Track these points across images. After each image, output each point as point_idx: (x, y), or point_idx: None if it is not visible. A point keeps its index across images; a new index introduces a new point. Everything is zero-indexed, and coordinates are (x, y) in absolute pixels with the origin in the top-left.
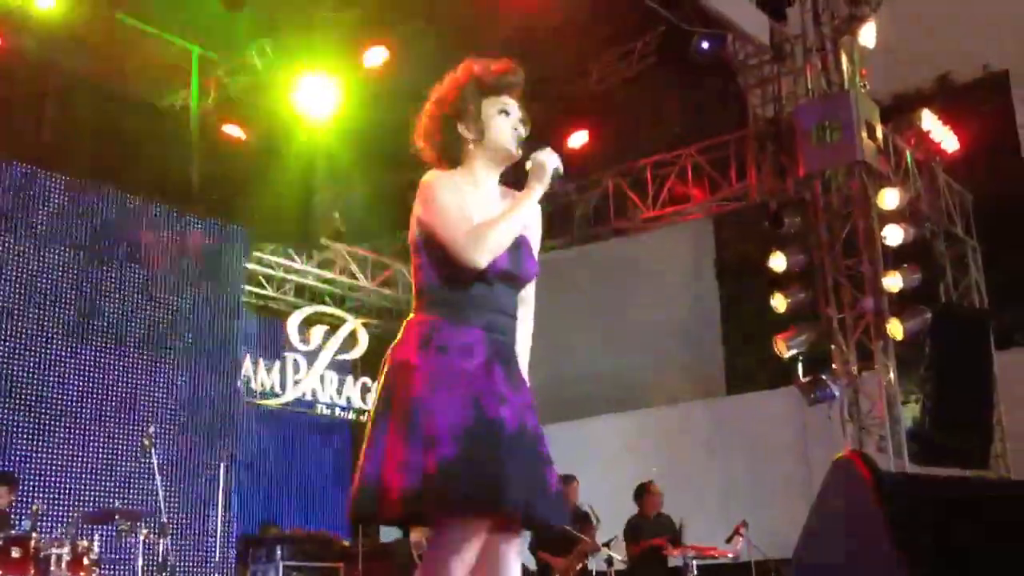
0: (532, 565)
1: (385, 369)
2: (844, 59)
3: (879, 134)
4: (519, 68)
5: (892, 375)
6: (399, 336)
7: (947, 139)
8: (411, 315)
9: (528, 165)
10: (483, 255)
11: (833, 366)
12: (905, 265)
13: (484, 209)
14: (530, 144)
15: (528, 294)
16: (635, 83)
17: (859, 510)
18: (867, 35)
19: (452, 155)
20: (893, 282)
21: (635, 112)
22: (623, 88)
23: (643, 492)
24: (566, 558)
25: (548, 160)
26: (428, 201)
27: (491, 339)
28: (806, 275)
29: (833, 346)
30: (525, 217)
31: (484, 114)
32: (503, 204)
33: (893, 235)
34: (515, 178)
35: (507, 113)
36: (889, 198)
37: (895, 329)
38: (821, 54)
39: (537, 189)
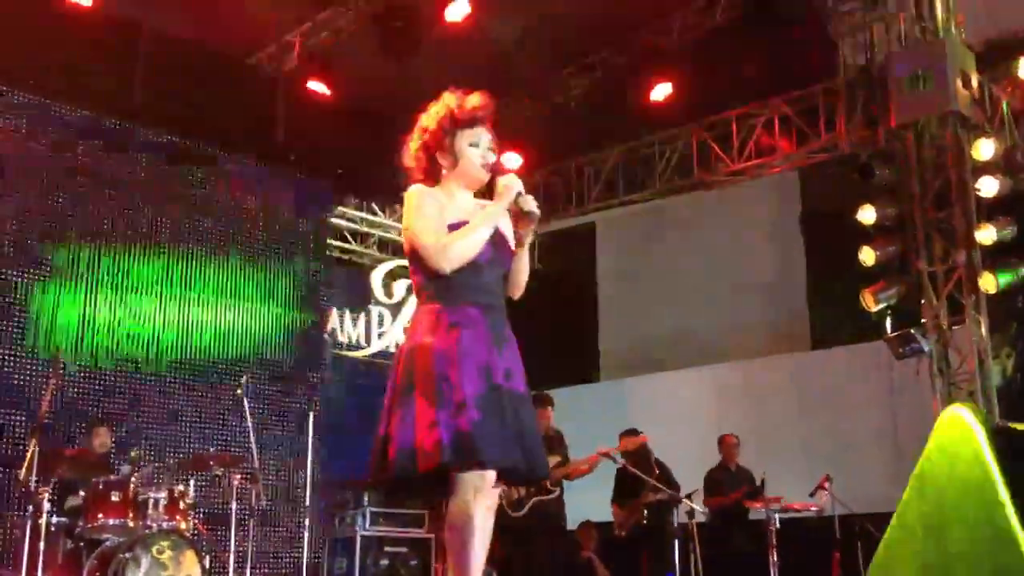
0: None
1: (401, 355)
2: (939, 5)
3: (974, 83)
4: (491, 101)
5: (984, 330)
6: (409, 327)
7: None
8: (415, 310)
9: (498, 187)
10: (449, 264)
11: (922, 320)
12: (999, 217)
13: (457, 216)
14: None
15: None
16: (720, 34)
17: (969, 460)
18: None
19: (433, 177)
20: (986, 235)
21: (720, 63)
22: (707, 39)
23: (719, 443)
24: (626, 509)
25: (511, 183)
26: (409, 212)
27: (486, 315)
28: (895, 228)
29: (923, 300)
30: (488, 231)
31: (457, 147)
32: (476, 212)
33: (987, 186)
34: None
35: (477, 145)
36: (984, 148)
37: (988, 283)
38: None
39: (500, 206)
